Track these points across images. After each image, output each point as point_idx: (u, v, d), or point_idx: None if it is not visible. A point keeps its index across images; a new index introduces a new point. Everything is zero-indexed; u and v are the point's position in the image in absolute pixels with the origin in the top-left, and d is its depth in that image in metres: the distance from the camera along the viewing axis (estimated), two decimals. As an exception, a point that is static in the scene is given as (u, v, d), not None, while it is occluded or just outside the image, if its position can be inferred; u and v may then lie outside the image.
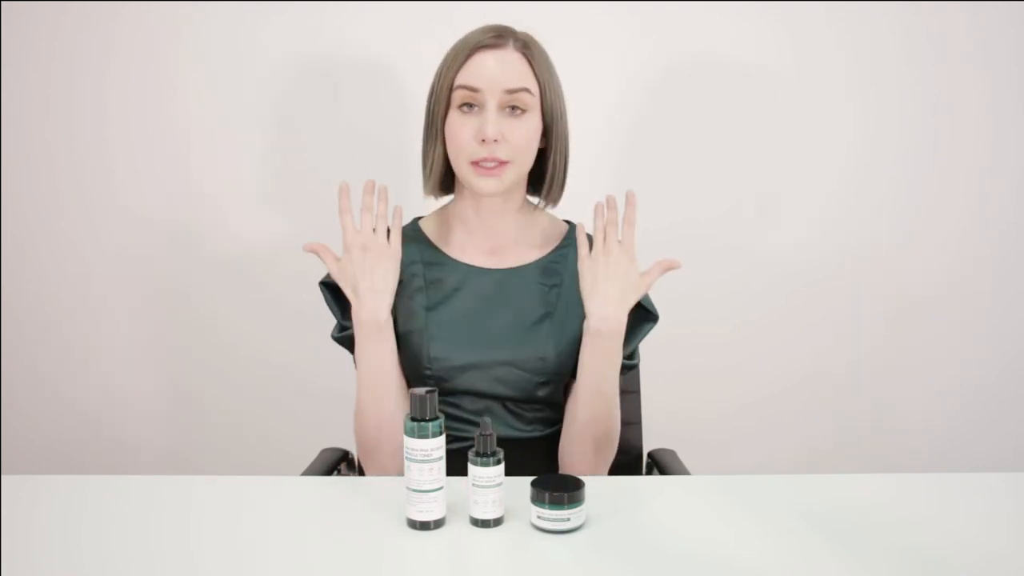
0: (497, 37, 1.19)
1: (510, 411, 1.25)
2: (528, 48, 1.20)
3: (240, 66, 1.78)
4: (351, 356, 1.28)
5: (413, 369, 1.25)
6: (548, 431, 1.28)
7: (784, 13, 1.75)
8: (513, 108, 1.18)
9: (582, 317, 1.25)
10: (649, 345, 1.30)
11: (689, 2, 1.74)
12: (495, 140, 1.16)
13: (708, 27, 1.76)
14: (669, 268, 1.21)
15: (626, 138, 1.80)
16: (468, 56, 1.18)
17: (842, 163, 1.81)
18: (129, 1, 1.75)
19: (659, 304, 1.30)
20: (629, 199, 1.20)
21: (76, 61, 1.78)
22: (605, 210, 1.19)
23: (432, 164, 1.24)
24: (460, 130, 1.18)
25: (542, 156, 1.26)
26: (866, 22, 1.76)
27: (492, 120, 1.16)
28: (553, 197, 1.28)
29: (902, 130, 1.80)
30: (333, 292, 1.28)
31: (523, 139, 1.19)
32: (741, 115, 1.79)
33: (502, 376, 1.23)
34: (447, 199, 1.32)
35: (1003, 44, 1.76)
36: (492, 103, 1.17)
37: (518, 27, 1.23)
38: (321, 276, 1.29)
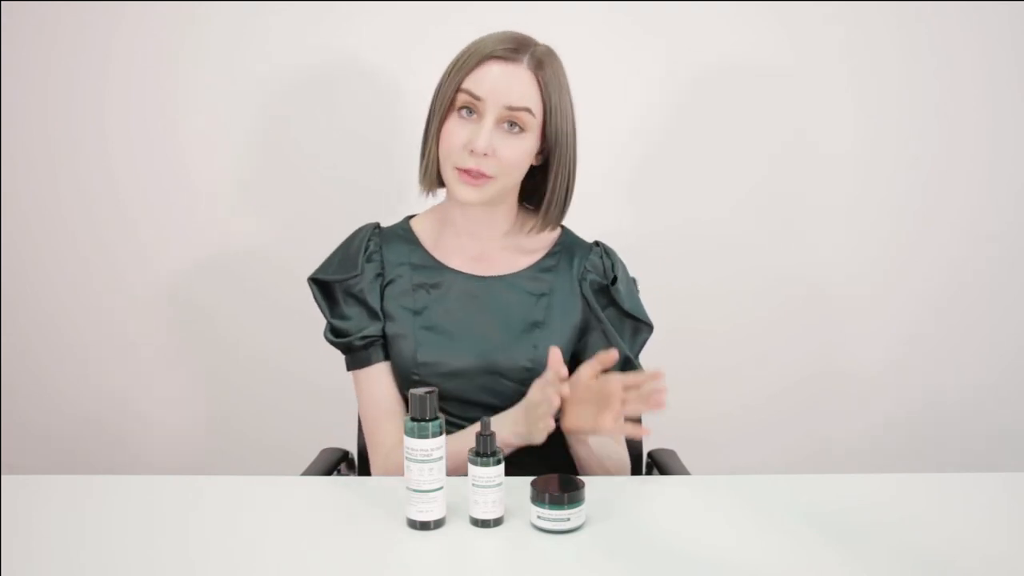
0: (513, 50, 1.16)
1: None
2: (541, 67, 1.17)
3: (238, 68, 1.77)
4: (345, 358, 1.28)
5: (402, 373, 1.24)
6: None
7: (786, 16, 1.75)
8: (511, 124, 1.16)
9: (570, 328, 1.25)
10: (649, 345, 1.30)
11: (694, 3, 1.74)
12: (484, 154, 1.15)
13: (712, 31, 1.75)
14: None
15: (628, 140, 1.80)
16: (479, 63, 1.16)
17: (844, 165, 1.81)
18: (128, 2, 1.75)
19: (660, 304, 1.30)
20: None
21: (75, 62, 1.78)
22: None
23: (428, 161, 1.22)
24: (454, 134, 1.17)
25: (543, 174, 1.23)
26: (868, 25, 1.75)
27: (486, 133, 1.15)
28: (551, 219, 1.25)
29: (904, 132, 1.79)
30: (322, 289, 1.27)
31: (512, 158, 1.17)
32: (743, 116, 1.79)
33: (488, 385, 1.22)
34: (443, 192, 1.30)
35: (1004, 45, 1.76)
36: (491, 115, 1.15)
37: (537, 38, 1.21)
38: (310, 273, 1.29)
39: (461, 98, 1.17)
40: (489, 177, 1.17)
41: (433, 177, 1.24)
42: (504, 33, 1.19)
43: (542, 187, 1.24)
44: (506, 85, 1.15)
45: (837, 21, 1.75)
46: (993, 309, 1.86)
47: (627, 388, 1.05)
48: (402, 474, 1.06)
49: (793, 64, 1.77)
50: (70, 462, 1.92)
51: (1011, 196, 1.82)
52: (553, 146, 1.20)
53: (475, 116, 1.17)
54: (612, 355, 1.08)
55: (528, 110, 1.16)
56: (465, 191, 1.18)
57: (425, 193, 1.27)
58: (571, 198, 1.26)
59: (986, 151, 1.80)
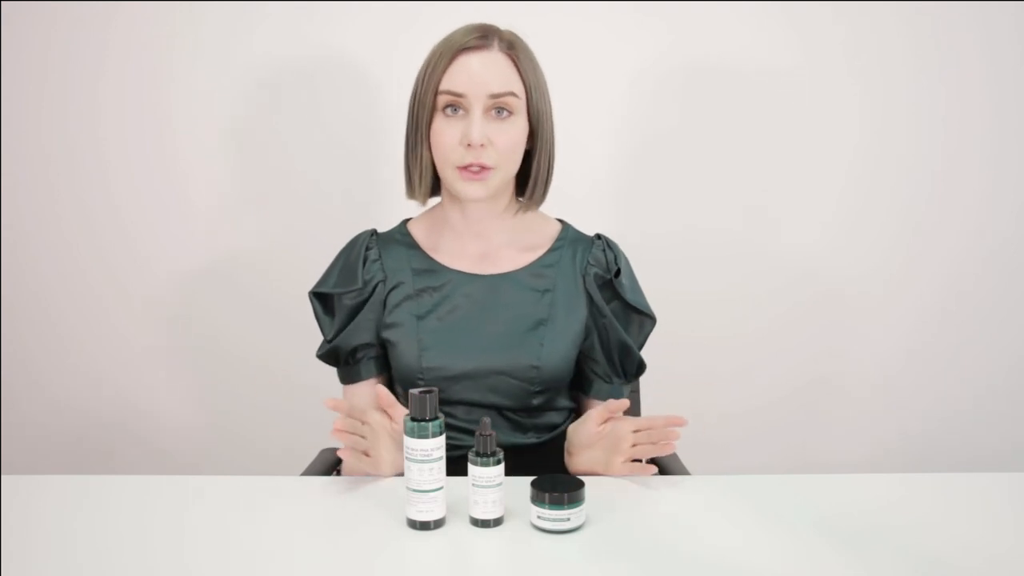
0: (481, 38, 1.16)
1: (506, 419, 1.24)
2: (513, 48, 1.18)
3: (232, 70, 1.78)
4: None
5: (406, 379, 1.24)
6: (545, 438, 1.26)
7: (790, 17, 1.75)
8: (499, 111, 1.16)
9: (576, 323, 1.24)
10: (650, 346, 1.30)
11: (695, 3, 1.74)
12: (481, 145, 1.14)
13: (714, 30, 1.75)
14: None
15: (630, 142, 1.80)
16: (452, 59, 1.15)
17: (848, 169, 1.81)
18: (124, 2, 1.75)
19: (662, 307, 1.30)
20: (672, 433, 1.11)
21: (73, 63, 1.78)
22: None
23: (420, 169, 1.20)
24: (445, 135, 1.16)
25: (527, 157, 1.23)
26: (871, 26, 1.75)
27: (477, 125, 1.14)
28: (537, 199, 1.25)
29: (909, 136, 1.79)
30: (323, 303, 1.27)
31: (509, 143, 1.17)
32: (746, 119, 1.79)
33: (496, 385, 1.22)
34: (434, 200, 1.29)
35: (1011, 45, 1.76)
36: (477, 108, 1.14)
37: (505, 27, 1.21)
38: (311, 285, 1.28)
39: (443, 99, 1.16)
40: (490, 168, 1.16)
41: (428, 184, 1.22)
42: (467, 25, 1.18)
43: (527, 167, 1.23)
44: (484, 74, 1.15)
45: (839, 21, 1.75)
46: (996, 311, 1.86)
47: (636, 431, 1.09)
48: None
49: (799, 68, 1.77)
50: (70, 462, 1.92)
51: (1016, 198, 1.82)
52: (536, 125, 1.20)
53: (461, 112, 1.16)
54: (622, 404, 1.11)
55: (512, 93, 1.16)
56: (470, 188, 1.17)
57: (422, 203, 1.26)
58: (552, 175, 1.25)
59: (991, 153, 1.80)
